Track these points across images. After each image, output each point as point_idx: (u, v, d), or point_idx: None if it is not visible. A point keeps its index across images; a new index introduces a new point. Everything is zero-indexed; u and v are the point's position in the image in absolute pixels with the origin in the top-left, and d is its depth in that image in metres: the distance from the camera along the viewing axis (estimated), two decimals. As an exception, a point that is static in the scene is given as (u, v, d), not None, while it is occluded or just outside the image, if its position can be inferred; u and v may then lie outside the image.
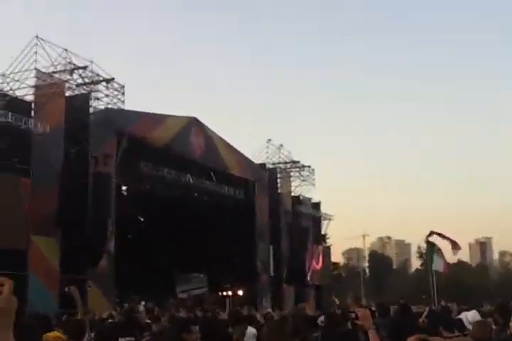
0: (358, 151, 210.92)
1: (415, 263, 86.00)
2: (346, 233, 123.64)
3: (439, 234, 22.33)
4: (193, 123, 34.27)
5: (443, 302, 21.97)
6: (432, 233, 22.20)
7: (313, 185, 44.81)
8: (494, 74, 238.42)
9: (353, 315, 5.92)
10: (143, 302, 30.22)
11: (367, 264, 79.90)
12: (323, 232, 49.53)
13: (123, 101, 27.18)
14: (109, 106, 27.17)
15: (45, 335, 6.53)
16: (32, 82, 24.21)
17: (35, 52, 23.77)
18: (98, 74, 26.02)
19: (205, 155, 34.85)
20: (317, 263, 45.76)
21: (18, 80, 23.82)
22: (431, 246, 22.34)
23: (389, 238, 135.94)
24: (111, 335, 6.88)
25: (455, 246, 22.42)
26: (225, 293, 38.46)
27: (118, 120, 28.01)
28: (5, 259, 22.11)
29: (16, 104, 23.68)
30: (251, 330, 9.08)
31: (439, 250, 22.48)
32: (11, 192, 22.78)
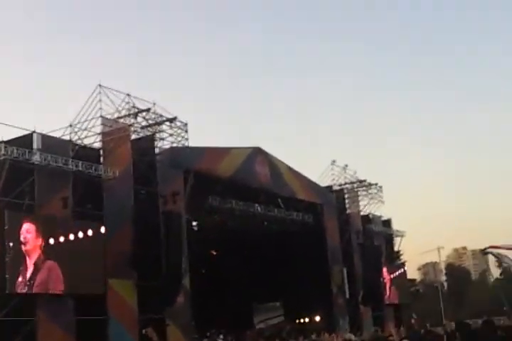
0: (424, 164, 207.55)
1: (495, 273, 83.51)
2: (420, 247, 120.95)
3: (497, 247, 21.84)
4: (257, 152, 34.47)
5: None
6: (489, 248, 21.72)
7: (382, 202, 44.03)
8: None
9: None
10: (221, 336, 30.49)
11: (444, 278, 78.09)
12: (396, 249, 48.70)
13: (187, 139, 27.49)
14: (174, 144, 27.56)
15: None
16: (98, 129, 24.86)
17: (100, 100, 24.43)
18: (161, 115, 26.49)
19: (271, 183, 34.94)
20: (393, 281, 44.91)
21: (85, 129, 24.51)
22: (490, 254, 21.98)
23: (465, 248, 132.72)
24: None
25: None
26: (302, 320, 38.28)
27: (183, 157, 28.41)
28: (84, 305, 22.75)
29: (84, 152, 24.43)
30: None
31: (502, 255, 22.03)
32: (86, 239, 23.37)
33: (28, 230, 21.61)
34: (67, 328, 22.34)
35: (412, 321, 45.31)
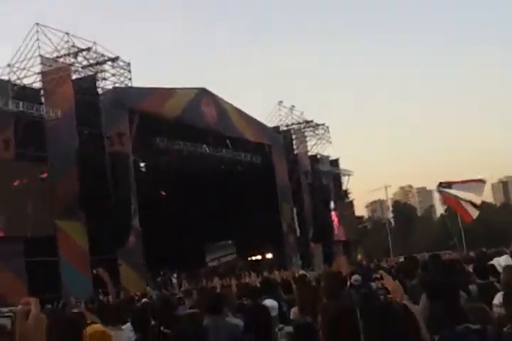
0: (371, 103, 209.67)
1: (439, 209, 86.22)
2: (368, 186, 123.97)
3: (450, 183, 22.13)
4: (203, 93, 34.12)
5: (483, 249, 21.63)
6: (440, 184, 22.03)
7: (330, 142, 44.48)
8: None
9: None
10: (175, 275, 30.80)
11: (391, 215, 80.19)
12: (344, 188, 49.63)
13: (130, 79, 27.15)
14: (117, 85, 27.10)
15: (84, 330, 6.48)
16: (38, 69, 24.21)
17: (37, 39, 23.71)
18: (103, 55, 25.94)
19: (219, 124, 34.79)
20: (341, 219, 45.89)
21: (24, 69, 23.83)
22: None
23: (411, 186, 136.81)
24: (146, 319, 6.92)
25: (475, 181, 22.07)
26: (254, 258, 38.92)
27: (127, 98, 27.98)
28: (35, 247, 22.65)
29: (25, 93, 23.81)
30: (270, 303, 7.41)
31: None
32: (32, 181, 23.04)
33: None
34: (17, 270, 22.26)
35: (359, 257, 46.73)
